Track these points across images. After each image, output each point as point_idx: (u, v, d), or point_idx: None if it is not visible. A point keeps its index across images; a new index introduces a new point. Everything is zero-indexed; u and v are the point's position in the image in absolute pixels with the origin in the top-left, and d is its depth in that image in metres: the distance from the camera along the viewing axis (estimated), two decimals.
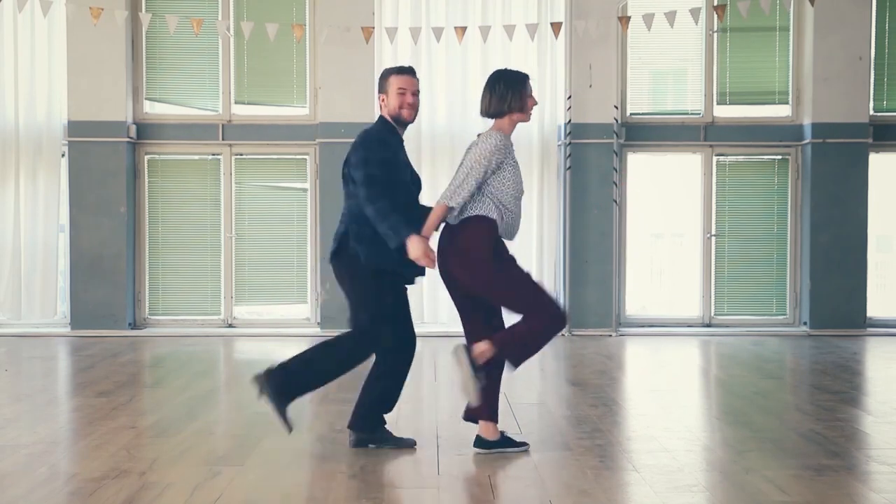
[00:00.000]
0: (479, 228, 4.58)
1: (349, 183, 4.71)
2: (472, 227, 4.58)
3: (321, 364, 4.66)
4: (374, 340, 4.66)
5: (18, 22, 9.61)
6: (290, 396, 4.60)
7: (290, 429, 4.59)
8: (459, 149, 9.29)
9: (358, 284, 4.67)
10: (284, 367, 4.60)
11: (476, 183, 4.57)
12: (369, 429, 4.77)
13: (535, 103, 4.82)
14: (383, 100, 4.78)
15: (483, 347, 4.56)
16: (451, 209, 4.57)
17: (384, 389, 4.77)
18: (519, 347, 4.60)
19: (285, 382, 4.56)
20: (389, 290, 4.69)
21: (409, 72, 4.82)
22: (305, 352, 4.70)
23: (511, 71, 4.81)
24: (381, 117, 4.82)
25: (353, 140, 4.78)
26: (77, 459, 4.67)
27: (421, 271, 4.75)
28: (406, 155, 4.86)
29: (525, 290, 4.62)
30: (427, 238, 4.58)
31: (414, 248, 4.46)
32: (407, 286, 4.84)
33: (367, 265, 4.59)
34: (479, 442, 4.74)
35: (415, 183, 4.85)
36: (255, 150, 10.00)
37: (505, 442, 4.74)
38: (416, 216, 4.67)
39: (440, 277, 4.74)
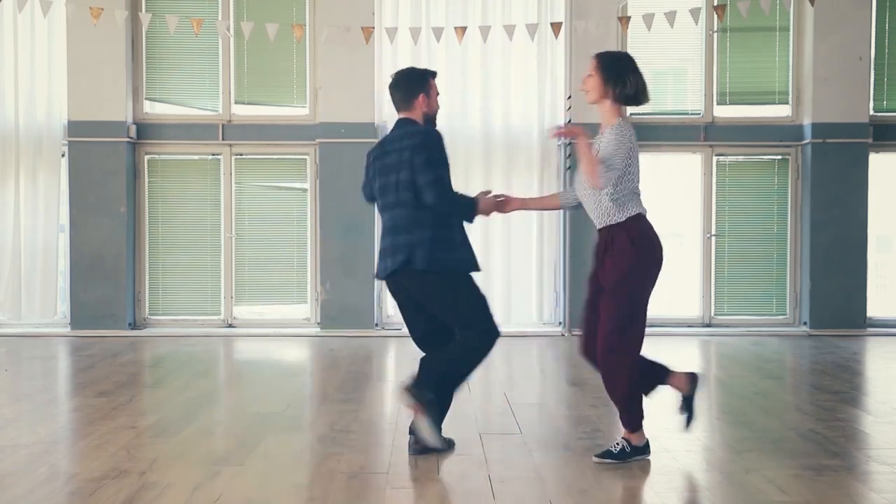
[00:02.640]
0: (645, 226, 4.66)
1: (404, 189, 4.63)
2: (640, 226, 4.67)
3: (458, 374, 4.68)
4: (493, 334, 4.68)
5: (18, 22, 9.61)
6: (444, 396, 4.66)
7: (451, 445, 4.69)
8: (459, 149, 9.30)
9: (454, 292, 4.65)
10: (431, 398, 4.56)
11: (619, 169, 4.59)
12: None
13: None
14: (423, 100, 4.77)
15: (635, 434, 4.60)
16: (601, 184, 4.49)
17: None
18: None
19: (433, 387, 4.56)
20: (469, 282, 4.72)
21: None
22: (439, 373, 4.63)
23: (624, 55, 4.87)
24: (410, 120, 4.76)
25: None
26: (77, 459, 4.67)
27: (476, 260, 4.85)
28: None
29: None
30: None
31: (485, 205, 4.78)
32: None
33: (461, 270, 4.67)
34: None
35: None
36: (255, 150, 10.00)
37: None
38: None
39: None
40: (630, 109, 10.06)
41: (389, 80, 4.91)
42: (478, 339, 4.64)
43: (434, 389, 4.54)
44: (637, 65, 4.65)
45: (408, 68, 5.00)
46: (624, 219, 4.51)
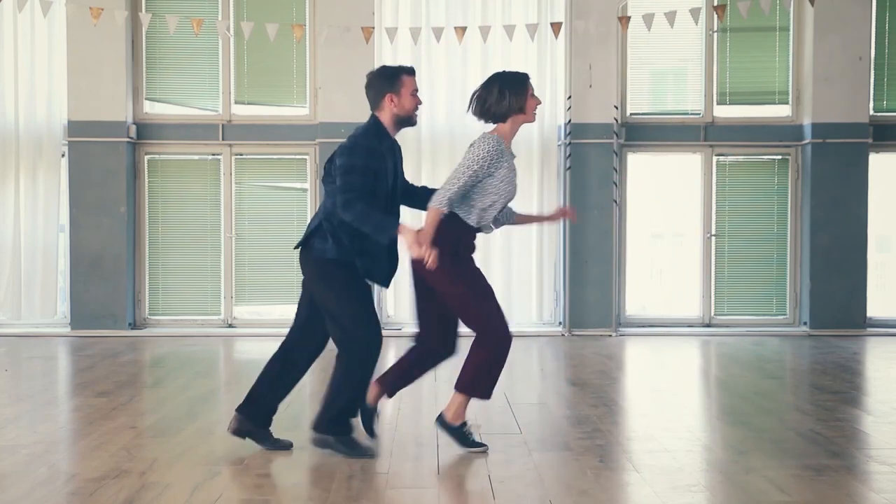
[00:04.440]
0: (451, 227, 4.56)
1: (329, 178, 4.66)
2: (445, 224, 4.55)
3: (345, 394, 4.63)
4: (368, 345, 4.59)
5: (18, 22, 9.61)
6: (347, 430, 4.63)
7: (374, 454, 4.63)
8: (459, 149, 9.30)
9: (326, 283, 4.61)
10: (321, 417, 4.62)
11: (464, 187, 4.53)
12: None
13: (539, 102, 4.75)
14: (392, 99, 4.63)
15: (454, 405, 4.68)
16: (442, 212, 4.54)
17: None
18: (483, 381, 4.62)
19: (333, 425, 4.59)
20: (355, 280, 4.61)
21: (414, 73, 4.78)
22: (326, 396, 4.67)
23: (509, 73, 4.76)
24: (376, 119, 4.67)
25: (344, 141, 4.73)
26: (77, 459, 4.67)
27: (390, 273, 4.71)
28: (397, 160, 4.73)
29: (482, 303, 4.60)
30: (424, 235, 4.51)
31: (406, 236, 4.40)
32: (384, 288, 4.82)
33: (331, 257, 4.55)
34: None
35: (399, 191, 4.76)
36: (255, 150, 10.00)
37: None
38: (394, 218, 4.64)
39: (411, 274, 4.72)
40: (630, 109, 10.07)
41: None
42: (352, 362, 4.60)
43: (332, 423, 4.59)
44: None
45: (380, 67, 4.85)
46: None
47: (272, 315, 10.14)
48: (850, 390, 6.60)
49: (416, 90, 4.72)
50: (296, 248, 4.77)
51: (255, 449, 4.78)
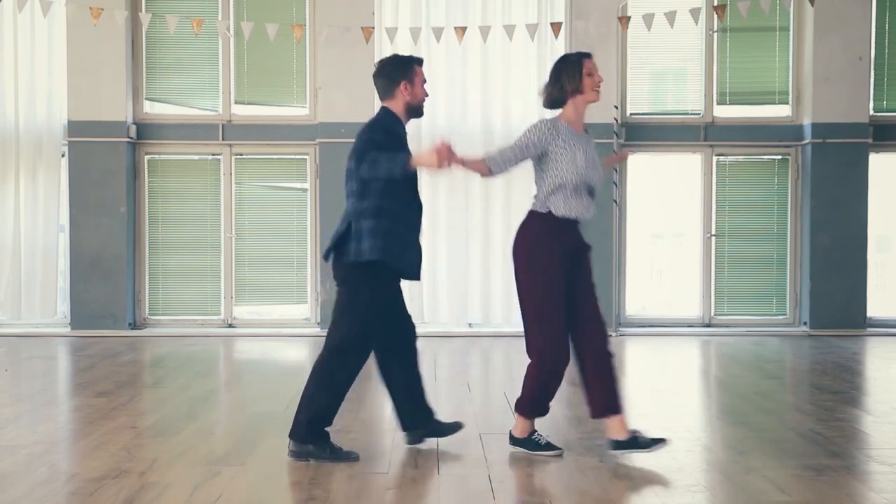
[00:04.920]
0: (533, 223, 4.58)
1: (351, 179, 4.57)
2: (529, 220, 4.61)
3: (325, 394, 4.53)
4: (360, 360, 4.56)
5: (18, 22, 9.61)
6: (322, 435, 4.54)
7: (356, 457, 4.56)
8: (459, 149, 9.27)
9: (352, 289, 4.53)
10: (298, 420, 4.54)
11: (513, 158, 4.53)
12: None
13: (599, 80, 4.63)
14: (406, 87, 4.60)
15: (518, 424, 4.72)
16: (488, 168, 4.54)
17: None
18: (536, 402, 4.67)
19: (308, 430, 4.51)
20: (383, 290, 4.58)
21: (423, 63, 4.77)
22: (304, 392, 4.58)
23: (564, 56, 4.76)
24: (387, 109, 4.64)
25: (351, 139, 4.69)
26: (77, 459, 4.67)
27: (420, 263, 4.65)
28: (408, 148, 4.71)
29: (539, 312, 4.55)
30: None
31: (422, 157, 4.30)
32: (413, 281, 4.73)
33: (369, 259, 4.44)
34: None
35: (419, 178, 4.74)
36: (255, 150, 10.00)
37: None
38: (417, 206, 4.63)
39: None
40: (630, 109, 10.07)
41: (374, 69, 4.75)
42: (335, 362, 4.53)
43: (308, 433, 4.51)
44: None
45: (391, 56, 4.83)
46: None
47: (272, 315, 10.14)
48: (850, 390, 6.60)
49: (426, 80, 4.72)
50: (325, 258, 4.68)
51: (255, 449, 4.78)
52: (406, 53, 4.97)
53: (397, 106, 4.65)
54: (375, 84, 4.71)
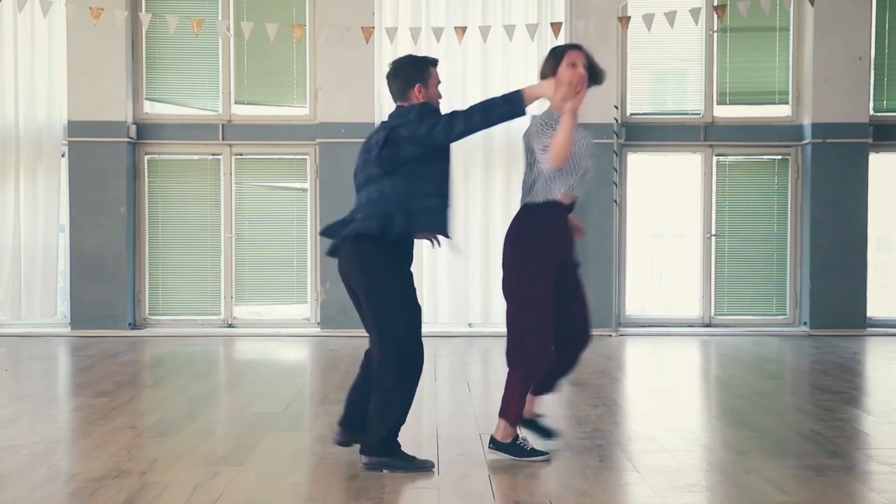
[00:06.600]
0: (533, 210, 4.55)
1: (367, 167, 4.41)
2: (525, 213, 4.57)
3: (395, 405, 4.38)
4: (412, 351, 4.42)
5: (18, 22, 9.61)
6: (396, 445, 4.42)
7: (431, 465, 4.43)
8: (459, 149, 9.28)
9: (371, 272, 4.39)
10: (371, 436, 4.40)
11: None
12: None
13: (582, 76, 4.72)
14: (421, 90, 4.47)
15: (500, 428, 4.58)
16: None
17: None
18: (521, 404, 4.58)
19: (384, 445, 4.39)
20: (407, 281, 4.45)
21: (437, 64, 4.65)
22: (372, 409, 4.40)
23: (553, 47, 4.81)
24: (402, 108, 4.50)
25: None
26: (77, 459, 4.67)
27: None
28: None
29: (529, 317, 4.48)
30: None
31: (540, 87, 4.34)
32: (447, 237, 4.49)
33: (397, 232, 4.30)
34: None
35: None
36: (255, 150, 10.00)
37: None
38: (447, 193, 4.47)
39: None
40: (630, 109, 10.07)
41: (387, 69, 4.64)
42: (395, 368, 4.35)
43: (384, 446, 4.38)
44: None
45: (406, 56, 4.70)
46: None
47: (272, 315, 10.14)
48: (850, 390, 6.60)
49: (440, 82, 4.61)
50: (330, 254, 4.54)
51: (255, 449, 4.78)
52: (421, 54, 4.82)
53: None
54: (389, 85, 4.60)
